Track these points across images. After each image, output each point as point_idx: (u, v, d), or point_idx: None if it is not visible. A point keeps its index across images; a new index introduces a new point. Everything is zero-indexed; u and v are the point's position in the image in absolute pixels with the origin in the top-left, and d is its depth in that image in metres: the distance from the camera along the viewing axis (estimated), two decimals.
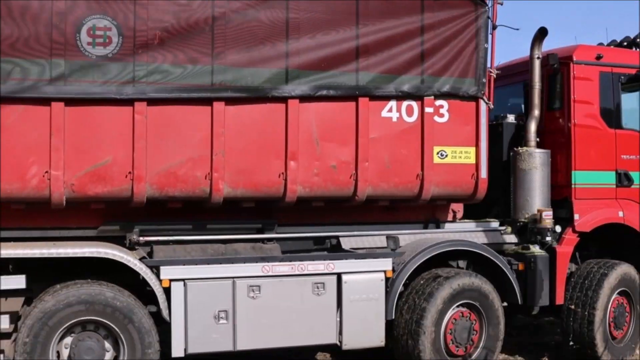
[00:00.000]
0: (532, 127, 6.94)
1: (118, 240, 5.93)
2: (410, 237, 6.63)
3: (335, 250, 6.50)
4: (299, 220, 6.52)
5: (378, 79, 6.10)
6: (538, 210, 6.69)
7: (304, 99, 5.93)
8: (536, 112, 6.98)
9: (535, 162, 6.82)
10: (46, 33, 5.38)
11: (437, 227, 6.91)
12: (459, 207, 7.03)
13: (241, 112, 5.82)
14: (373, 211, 6.71)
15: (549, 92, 7.14)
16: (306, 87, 5.91)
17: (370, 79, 6.08)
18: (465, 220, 7.10)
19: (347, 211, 6.61)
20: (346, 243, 6.49)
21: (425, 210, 6.88)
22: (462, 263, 6.82)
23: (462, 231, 6.82)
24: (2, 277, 5.36)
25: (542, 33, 6.95)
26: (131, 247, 5.84)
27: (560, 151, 6.97)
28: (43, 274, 5.61)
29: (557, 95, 7.06)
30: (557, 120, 7.09)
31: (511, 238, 6.93)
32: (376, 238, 6.56)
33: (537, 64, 6.98)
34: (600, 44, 7.54)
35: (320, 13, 5.96)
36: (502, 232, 6.95)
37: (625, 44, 7.63)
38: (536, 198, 6.83)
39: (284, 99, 5.88)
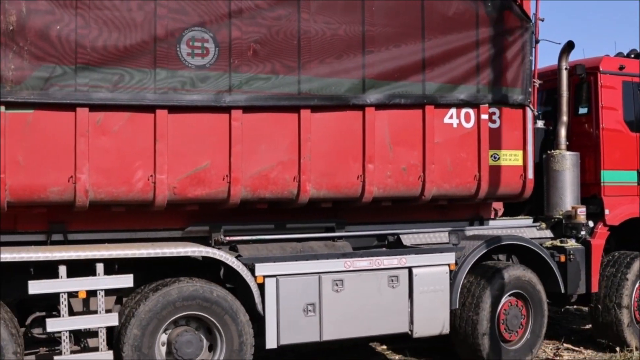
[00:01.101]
0: (563, 131, 7.68)
1: (199, 241, 6.29)
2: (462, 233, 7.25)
3: (395, 246, 7.03)
4: (361, 219, 7.02)
5: (441, 88, 6.68)
6: (572, 207, 7.43)
7: (379, 106, 6.44)
8: (564, 118, 7.73)
9: (567, 163, 7.56)
10: (150, 44, 5.70)
11: (481, 224, 7.54)
12: (499, 206, 7.70)
13: (325, 118, 6.28)
14: (424, 210, 7.28)
15: (575, 100, 7.91)
16: (381, 95, 6.43)
17: (435, 88, 6.65)
18: (504, 218, 7.77)
19: (401, 210, 7.14)
20: (405, 240, 7.04)
21: (471, 209, 7.51)
22: (501, 256, 7.49)
23: (505, 227, 7.47)
24: (112, 276, 5.63)
25: (569, 46, 7.71)
26: (215, 247, 6.20)
27: (588, 153, 7.75)
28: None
29: (584, 102, 7.84)
30: (583, 125, 7.87)
31: (546, 233, 7.62)
32: (430, 234, 7.14)
33: (564, 74, 7.74)
34: (620, 54, 8.33)
35: (392, 27, 6.48)
36: (537, 227, 7.64)
37: None
38: (568, 196, 7.57)
39: (361, 107, 6.38)
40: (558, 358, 7.49)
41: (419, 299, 6.57)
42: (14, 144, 5.38)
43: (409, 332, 6.59)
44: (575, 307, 8.72)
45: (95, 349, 5.70)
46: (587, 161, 7.74)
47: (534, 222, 7.75)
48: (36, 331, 5.73)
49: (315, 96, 6.20)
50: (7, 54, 5.31)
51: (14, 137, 5.38)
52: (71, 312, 5.67)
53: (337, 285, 6.27)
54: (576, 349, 7.80)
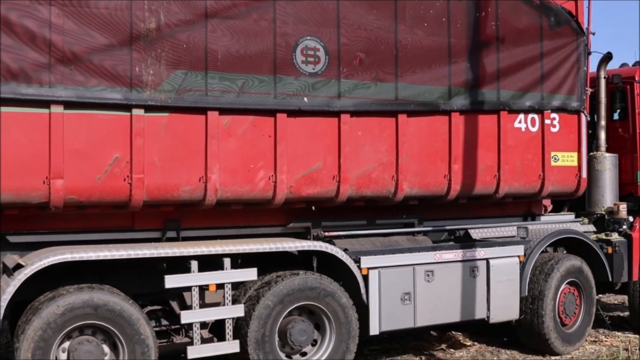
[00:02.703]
0: (603, 135, 8.46)
1: (295, 236, 6.71)
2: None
3: (463, 240, 7.63)
4: (432, 215, 7.56)
5: (513, 95, 7.30)
6: (615, 204, 8.23)
7: (462, 112, 7.01)
8: (603, 122, 8.50)
9: (607, 164, 8.34)
10: (271, 52, 6.07)
11: (533, 219, 8.23)
12: (548, 202, 8.40)
13: (418, 123, 6.80)
14: (485, 207, 7.90)
15: (611, 106, 8.71)
16: (465, 102, 7.00)
17: (508, 96, 7.26)
18: (551, 214, 8.49)
19: (465, 207, 7.72)
20: (473, 234, 7.65)
21: (524, 206, 8.17)
22: (549, 248, 8.19)
23: (554, 222, 8.19)
24: (239, 270, 5.99)
25: (607, 57, 8.49)
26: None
27: (624, 155, 8.56)
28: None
29: (621, 108, 8.65)
30: (618, 129, 8.68)
31: (589, 227, 8.38)
32: (493, 229, 7.79)
33: (603, 82, 8.50)
34: (637, 63, 9.20)
35: (472, 40, 7.05)
36: (581, 222, 8.40)
37: None
38: (608, 194, 8.36)
39: (448, 112, 6.93)
40: (602, 341, 8.27)
41: (495, 288, 7.19)
42: (151, 145, 5.67)
43: (486, 318, 7.21)
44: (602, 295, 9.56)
45: (210, 340, 6.07)
46: (624, 162, 8.56)
47: (575, 217, 8.51)
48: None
49: (411, 102, 6.71)
50: (146, 60, 5.59)
51: (151, 139, 5.67)
52: (182, 307, 6.03)
53: (428, 275, 6.82)
54: (616, 333, 8.60)
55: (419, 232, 7.31)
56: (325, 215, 6.74)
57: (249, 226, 6.63)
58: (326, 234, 6.73)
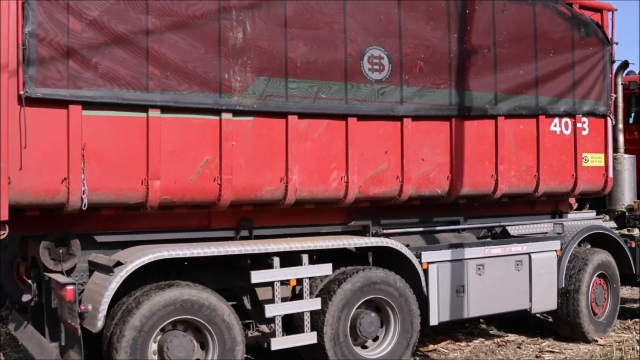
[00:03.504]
0: (621, 137, 9.07)
1: (353, 233, 7.09)
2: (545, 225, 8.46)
3: (501, 236, 8.12)
4: (472, 213, 8.02)
5: (550, 101, 7.83)
6: (635, 202, 8.85)
7: (507, 116, 7.50)
8: (620, 125, 9.12)
9: (627, 164, 8.96)
10: (342, 60, 6.45)
11: (560, 217, 8.77)
12: (573, 200, 8.96)
13: (469, 126, 7.26)
14: (517, 205, 8.40)
15: (627, 110, 9.35)
16: (509, 107, 7.49)
17: (545, 101, 7.79)
18: (576, 211, 9.06)
19: (500, 205, 8.19)
20: (511, 230, 8.15)
21: (553, 204, 8.71)
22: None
23: (580, 219, 8.75)
24: (317, 265, 6.34)
25: (625, 65, 9.12)
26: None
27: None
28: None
29: (636, 112, 9.29)
30: (634, 132, 9.31)
31: (611, 224, 8.98)
32: (528, 225, 8.28)
33: (620, 88, 9.13)
34: None
35: (515, 50, 7.53)
36: (602, 219, 8.99)
37: None
38: (627, 193, 8.99)
39: (495, 117, 7.41)
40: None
41: (536, 280, 7.70)
42: (238, 148, 5.99)
43: (529, 309, 7.71)
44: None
45: (271, 335, 6.35)
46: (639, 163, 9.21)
47: (597, 214, 9.10)
48: None
49: (466, 107, 7.17)
50: (233, 67, 5.92)
51: (238, 141, 5.99)
52: (253, 302, 6.35)
53: (479, 269, 7.28)
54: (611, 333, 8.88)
55: (463, 229, 7.78)
56: (379, 213, 7.13)
57: (312, 225, 6.97)
58: (385, 231, 7.14)
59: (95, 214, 5.77)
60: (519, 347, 8.05)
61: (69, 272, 5.80)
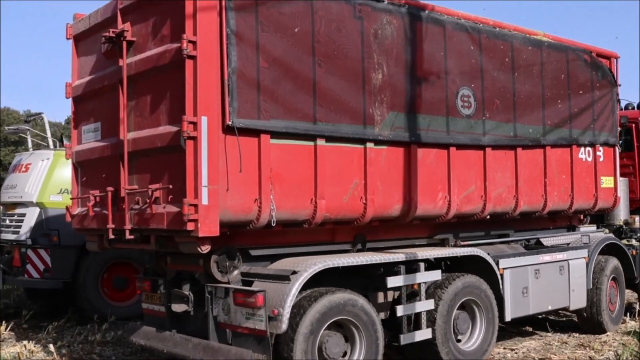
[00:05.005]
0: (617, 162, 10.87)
1: (434, 245, 8.30)
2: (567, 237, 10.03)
3: (534, 247, 9.58)
4: (510, 227, 9.43)
5: (579, 133, 9.42)
6: (631, 217, 10.65)
7: (552, 146, 9.00)
8: None
9: (622, 186, 10.74)
10: (444, 98, 7.66)
11: (573, 230, 10.39)
12: (582, 216, 10.61)
13: (526, 154, 8.67)
14: (543, 220, 9.93)
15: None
16: (553, 138, 8.99)
17: (576, 133, 9.38)
18: (582, 225, 10.72)
19: (530, 221, 9.69)
20: (544, 242, 9.64)
21: (567, 219, 10.32)
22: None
23: (590, 232, 10.40)
24: (432, 271, 7.45)
25: (618, 101, 10.93)
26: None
27: (632, 178, 11.04)
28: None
29: (625, 142, 11.16)
30: (623, 159, 11.15)
31: (611, 236, 10.69)
32: (555, 237, 9.81)
33: None
34: None
35: (555, 91, 9.07)
36: (603, 232, 10.71)
37: None
38: (623, 210, 10.78)
39: (544, 146, 8.88)
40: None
41: (573, 282, 9.20)
42: (376, 172, 7.02)
43: (567, 307, 9.20)
44: None
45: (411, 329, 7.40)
46: (631, 185, 11.05)
47: (597, 228, 10.82)
48: None
49: (525, 138, 8.58)
50: (374, 103, 6.97)
51: (376, 167, 7.03)
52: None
53: (536, 273, 8.67)
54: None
55: (511, 241, 9.18)
56: (455, 228, 8.37)
57: (406, 238, 8.09)
58: (462, 242, 8.38)
59: (254, 231, 6.57)
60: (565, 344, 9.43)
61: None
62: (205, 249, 5.99)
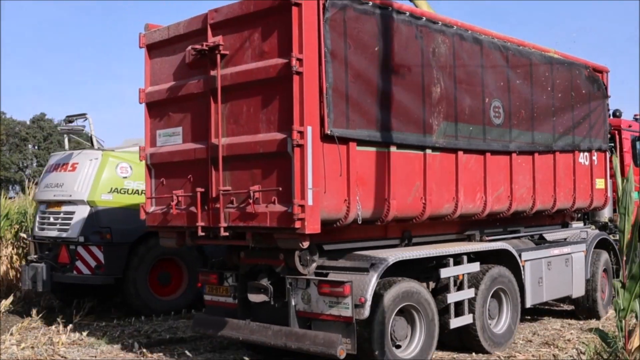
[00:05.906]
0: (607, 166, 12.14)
1: (461, 240, 9.25)
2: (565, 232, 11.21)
3: (538, 242, 10.70)
4: (515, 224, 10.49)
5: (580, 140, 10.59)
6: (615, 215, 11.93)
7: (560, 151, 10.11)
8: None
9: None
10: (480, 109, 8.60)
11: (566, 227, 11.57)
12: (574, 214, 11.83)
13: (541, 159, 9.74)
14: (542, 217, 11.07)
15: None
16: (561, 144, 10.11)
17: (578, 140, 10.54)
18: (573, 222, 11.93)
19: (529, 218, 10.79)
20: (547, 236, 10.77)
21: (562, 217, 11.50)
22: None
23: (580, 229, 11.62)
24: (472, 264, 8.37)
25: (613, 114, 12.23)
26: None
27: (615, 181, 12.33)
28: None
29: (614, 147, 12.49)
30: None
31: (597, 232, 11.98)
32: (554, 233, 10.97)
33: None
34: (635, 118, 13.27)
35: (561, 102, 10.18)
36: (590, 228, 11.96)
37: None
38: (607, 208, 12.06)
39: (554, 152, 9.98)
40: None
41: (575, 273, 10.37)
42: (432, 175, 7.88)
43: (570, 295, 10.36)
44: None
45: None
46: (615, 185, 12.31)
47: (584, 225, 12.07)
48: None
49: (541, 144, 9.65)
50: (433, 113, 7.82)
51: (432, 171, 7.89)
52: None
53: (548, 264, 9.76)
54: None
55: (523, 236, 10.26)
56: (480, 225, 9.34)
57: (440, 234, 9.00)
58: (487, 238, 9.36)
59: (329, 229, 7.29)
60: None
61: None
62: (305, 244, 6.68)
